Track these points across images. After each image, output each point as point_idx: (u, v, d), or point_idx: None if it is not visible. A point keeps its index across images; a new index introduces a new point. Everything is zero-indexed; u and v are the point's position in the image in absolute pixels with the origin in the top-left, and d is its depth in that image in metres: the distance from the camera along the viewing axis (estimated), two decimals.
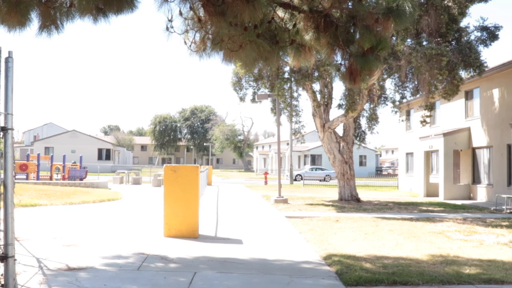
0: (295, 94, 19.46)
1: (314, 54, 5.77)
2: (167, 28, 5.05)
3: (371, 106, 19.68)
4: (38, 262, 6.21)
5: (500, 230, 10.43)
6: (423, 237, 9.19)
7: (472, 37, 16.39)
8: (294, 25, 5.27)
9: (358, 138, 21.08)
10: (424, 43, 15.02)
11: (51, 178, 25.29)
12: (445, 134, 21.02)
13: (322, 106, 18.61)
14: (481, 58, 15.51)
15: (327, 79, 18.23)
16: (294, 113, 19.66)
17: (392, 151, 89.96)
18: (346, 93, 18.00)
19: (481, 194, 20.01)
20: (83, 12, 5.05)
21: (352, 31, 5.09)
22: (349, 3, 5.20)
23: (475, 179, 20.83)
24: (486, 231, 10.32)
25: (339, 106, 19.12)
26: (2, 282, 4.03)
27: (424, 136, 23.17)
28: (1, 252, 3.99)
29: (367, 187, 30.63)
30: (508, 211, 15.04)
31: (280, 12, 5.36)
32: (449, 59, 14.35)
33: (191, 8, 5.01)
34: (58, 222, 10.42)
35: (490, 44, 16.40)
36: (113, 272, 5.81)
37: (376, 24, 4.79)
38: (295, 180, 39.50)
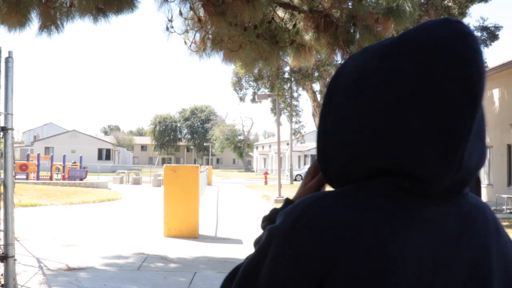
0: (295, 94, 19.49)
1: (314, 54, 5.76)
2: (167, 28, 5.05)
3: None
4: (38, 262, 6.22)
5: None
6: None
7: None
8: (294, 25, 5.27)
9: None
10: None
11: (51, 178, 25.30)
12: None
13: None
14: None
15: (327, 79, 18.26)
16: (294, 113, 19.68)
17: None
18: None
19: (481, 194, 20.01)
20: (83, 12, 5.05)
21: (352, 31, 5.09)
22: (349, 3, 5.19)
23: None
24: None
25: None
26: (2, 282, 4.03)
27: None
28: (1, 252, 3.99)
29: None
30: (508, 211, 15.05)
31: (280, 12, 5.36)
32: None
33: (191, 8, 5.00)
34: (58, 222, 10.42)
35: (490, 44, 16.45)
36: (113, 272, 5.81)
37: (376, 24, 4.79)
38: (295, 180, 39.50)
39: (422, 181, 0.67)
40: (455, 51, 0.67)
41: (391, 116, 0.68)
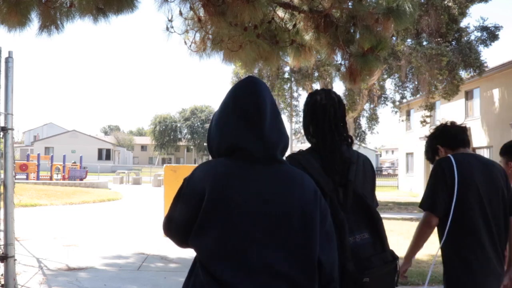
0: (295, 94, 19.48)
1: (314, 54, 5.76)
2: (167, 28, 5.04)
3: (371, 106, 19.70)
4: (38, 262, 6.22)
5: None
6: None
7: (472, 37, 16.40)
8: (294, 25, 5.27)
9: (358, 138, 21.10)
10: (424, 43, 15.03)
11: (51, 178, 25.29)
12: None
13: None
14: (481, 58, 15.52)
15: (327, 79, 18.24)
16: (294, 113, 19.67)
17: (392, 151, 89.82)
18: (346, 93, 18.01)
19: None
20: (83, 12, 5.04)
21: (352, 31, 5.08)
22: (349, 3, 5.19)
23: None
24: None
25: None
26: (2, 282, 4.03)
27: (424, 136, 23.19)
28: (1, 252, 3.99)
29: None
30: None
31: (280, 12, 5.35)
32: (449, 59, 14.35)
33: (191, 8, 5.00)
34: (58, 222, 10.42)
35: (490, 44, 16.40)
36: (113, 272, 5.81)
37: (376, 24, 4.78)
38: None
39: (248, 152, 1.46)
40: (250, 91, 1.51)
41: (230, 121, 1.51)
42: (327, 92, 2.12)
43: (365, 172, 2.06)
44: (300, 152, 2.05)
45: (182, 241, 1.54)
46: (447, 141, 2.68)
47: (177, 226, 1.52)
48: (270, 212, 1.43)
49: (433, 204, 2.51)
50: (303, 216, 1.46)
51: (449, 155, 2.57)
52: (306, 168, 1.91)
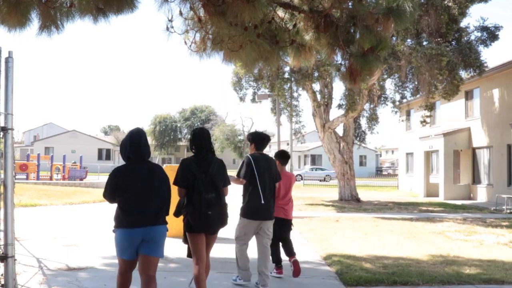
0: (295, 94, 19.46)
1: (314, 54, 5.76)
2: (167, 28, 5.04)
3: (371, 106, 19.68)
4: (38, 262, 6.21)
5: (500, 230, 10.43)
6: (423, 237, 9.18)
7: (472, 37, 16.39)
8: (294, 25, 5.27)
9: (358, 138, 21.10)
10: (424, 43, 15.02)
11: (51, 178, 25.30)
12: (445, 134, 21.02)
13: (322, 106, 18.60)
14: (481, 58, 15.50)
15: (327, 79, 18.23)
16: (294, 113, 19.67)
17: (392, 151, 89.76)
18: (346, 93, 18.00)
19: (481, 194, 20.01)
20: (83, 12, 5.04)
21: (352, 31, 5.08)
22: (349, 3, 5.19)
23: (475, 179, 20.83)
24: (486, 231, 10.32)
25: (339, 106, 19.11)
26: (2, 282, 4.02)
27: (424, 136, 23.17)
28: (1, 252, 3.99)
29: (367, 187, 30.62)
30: (508, 211, 15.04)
31: (280, 12, 5.35)
32: (449, 59, 14.34)
33: (191, 8, 5.00)
34: (58, 222, 10.42)
35: (490, 44, 16.39)
36: (113, 272, 5.80)
37: (376, 24, 4.78)
38: (296, 180, 39.33)
39: (134, 159, 3.90)
40: (136, 135, 3.97)
41: (127, 147, 3.90)
42: (201, 129, 4.45)
43: (219, 167, 4.36)
44: (188, 157, 4.40)
45: (111, 200, 3.83)
46: (257, 145, 5.44)
47: (108, 194, 3.82)
48: (146, 183, 3.77)
49: (243, 176, 5.15)
50: (160, 184, 3.83)
51: (249, 154, 5.36)
52: (189, 164, 4.31)
